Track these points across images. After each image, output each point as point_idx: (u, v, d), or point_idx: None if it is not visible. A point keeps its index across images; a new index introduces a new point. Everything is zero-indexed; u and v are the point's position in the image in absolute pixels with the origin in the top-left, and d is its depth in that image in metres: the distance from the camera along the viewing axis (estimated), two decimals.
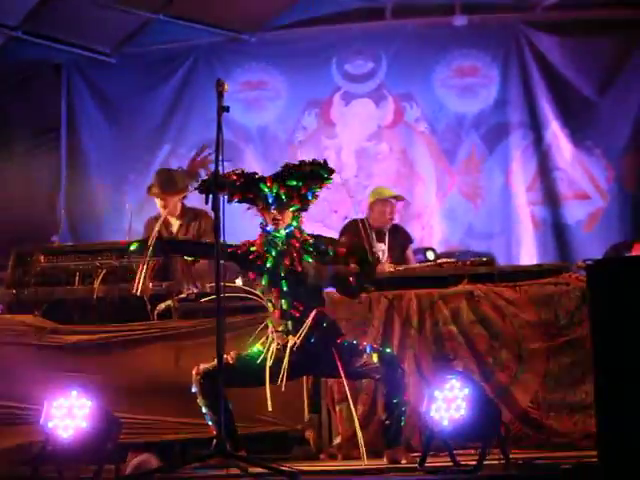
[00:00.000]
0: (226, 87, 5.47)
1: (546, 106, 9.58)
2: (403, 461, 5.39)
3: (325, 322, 5.45)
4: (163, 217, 7.18)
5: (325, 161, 5.51)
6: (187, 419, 5.94)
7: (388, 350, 5.52)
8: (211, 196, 5.14)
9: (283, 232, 5.47)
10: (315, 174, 5.46)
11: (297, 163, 5.48)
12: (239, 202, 5.54)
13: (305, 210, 5.57)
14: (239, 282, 6.69)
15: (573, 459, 5.11)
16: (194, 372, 5.40)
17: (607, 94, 9.43)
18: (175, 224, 7.66)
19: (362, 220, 7.85)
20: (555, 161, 9.59)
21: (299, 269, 5.42)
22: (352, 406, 5.71)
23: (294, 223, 5.50)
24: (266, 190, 5.42)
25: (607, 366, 4.55)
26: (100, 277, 6.54)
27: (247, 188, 5.48)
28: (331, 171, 5.49)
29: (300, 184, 5.44)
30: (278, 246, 5.47)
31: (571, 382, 6.12)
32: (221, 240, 5.00)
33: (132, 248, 5.68)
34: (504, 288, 6.33)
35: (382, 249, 7.97)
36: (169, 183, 7.59)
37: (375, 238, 7.97)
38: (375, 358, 5.35)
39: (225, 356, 5.12)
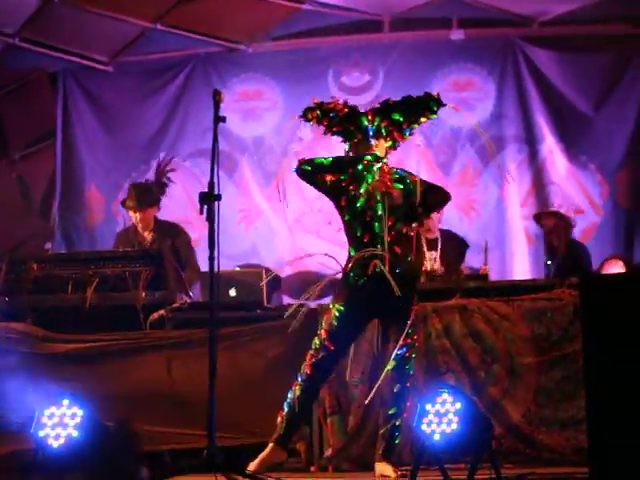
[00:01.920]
0: (223, 97, 5.49)
1: (541, 121, 9.58)
2: (393, 475, 5.38)
3: (411, 257, 5.56)
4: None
5: (438, 94, 5.59)
6: (177, 429, 5.94)
7: (407, 367, 5.53)
8: (205, 207, 5.17)
9: (376, 166, 5.53)
10: (422, 104, 5.54)
11: (403, 98, 5.55)
12: (335, 133, 5.62)
13: (395, 148, 5.64)
14: (232, 293, 6.71)
15: (564, 475, 5.11)
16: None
17: (603, 109, 9.43)
18: (148, 237, 7.66)
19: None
20: (550, 176, 9.58)
21: (395, 193, 5.50)
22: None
23: (384, 159, 5.57)
24: (366, 123, 5.49)
25: (598, 381, 4.55)
26: (93, 286, 6.54)
27: (348, 120, 5.54)
28: (440, 103, 5.57)
29: (402, 119, 5.52)
30: (373, 175, 5.50)
31: (563, 397, 6.10)
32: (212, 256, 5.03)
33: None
34: (497, 302, 6.33)
35: (434, 257, 7.81)
36: (144, 197, 7.62)
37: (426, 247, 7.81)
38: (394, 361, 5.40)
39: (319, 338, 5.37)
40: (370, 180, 5.49)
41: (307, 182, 5.67)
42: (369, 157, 5.53)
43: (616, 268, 8.03)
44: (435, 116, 5.60)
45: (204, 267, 6.80)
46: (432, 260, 7.72)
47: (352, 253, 5.51)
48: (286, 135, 9.85)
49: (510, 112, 9.64)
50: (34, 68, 9.91)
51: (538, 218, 8.83)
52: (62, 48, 9.71)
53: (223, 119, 5.50)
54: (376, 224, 5.45)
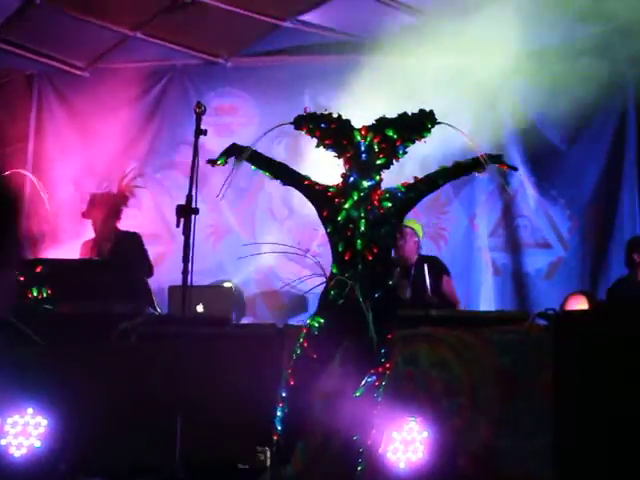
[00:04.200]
0: (204, 109, 5.48)
1: (514, 151, 9.60)
2: None
3: (392, 281, 5.45)
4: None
5: (432, 111, 5.47)
6: (139, 443, 5.88)
7: (375, 395, 5.35)
8: (182, 220, 5.15)
9: (366, 184, 5.41)
10: (416, 122, 5.42)
11: (397, 115, 5.45)
12: (327, 148, 5.50)
13: (388, 168, 5.47)
14: (200, 309, 6.68)
15: None
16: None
17: (575, 144, 9.49)
18: (106, 247, 7.62)
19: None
20: (519, 208, 9.62)
21: (381, 211, 5.37)
22: None
23: (376, 177, 5.44)
24: (359, 138, 5.40)
25: (567, 415, 4.58)
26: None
27: (341, 133, 5.44)
28: (434, 121, 5.44)
29: (396, 136, 5.40)
30: (361, 192, 5.40)
31: (525, 430, 6.11)
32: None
33: (219, 163, 5.72)
34: (464, 332, 6.34)
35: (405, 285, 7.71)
36: (89, 204, 7.60)
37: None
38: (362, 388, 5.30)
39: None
40: (356, 197, 5.41)
41: (292, 186, 5.62)
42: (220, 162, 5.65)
43: (579, 304, 8.06)
44: (429, 134, 5.44)
45: (170, 280, 6.79)
46: (402, 288, 7.66)
47: (334, 270, 5.43)
48: (260, 150, 9.80)
49: (484, 140, 9.65)
50: (10, 69, 9.83)
51: None
52: (40, 51, 9.66)
53: (204, 132, 5.51)
54: (358, 241, 5.33)
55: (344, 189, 5.43)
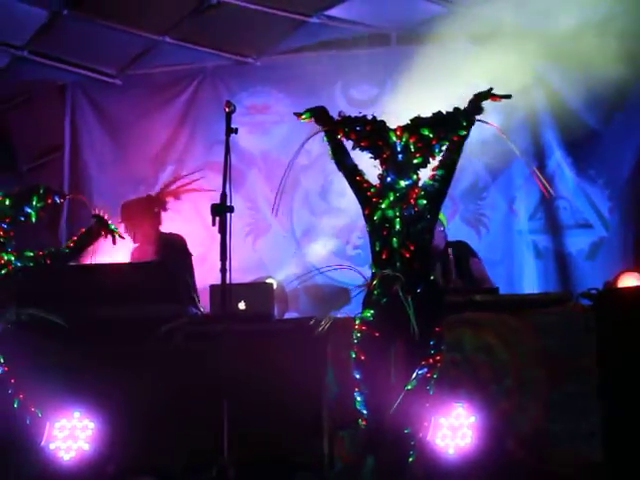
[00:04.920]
0: (234, 108, 5.49)
1: (550, 134, 9.55)
2: None
3: (433, 275, 5.44)
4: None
5: (466, 109, 5.47)
6: (188, 443, 5.91)
7: (428, 387, 5.33)
8: (217, 219, 5.16)
9: (403, 183, 5.42)
10: (451, 120, 5.43)
11: (432, 114, 5.45)
12: (363, 149, 5.50)
13: (425, 167, 5.47)
14: (242, 306, 6.69)
15: None
16: None
17: (611, 124, 9.40)
18: (150, 250, 7.63)
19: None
20: (558, 190, 9.54)
21: (416, 209, 5.38)
22: None
23: (414, 177, 5.45)
24: (394, 138, 5.40)
25: (613, 396, 4.54)
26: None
27: (376, 134, 5.44)
28: (471, 120, 5.45)
29: (432, 135, 5.40)
30: (397, 192, 5.41)
31: (574, 412, 6.07)
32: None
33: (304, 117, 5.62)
34: (508, 316, 6.31)
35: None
36: (122, 212, 7.62)
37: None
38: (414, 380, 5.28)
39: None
40: (392, 197, 5.41)
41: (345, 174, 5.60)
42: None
43: (632, 281, 7.98)
44: (465, 132, 5.44)
45: (212, 280, 6.80)
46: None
47: (373, 270, 5.43)
48: (294, 149, 9.83)
49: (518, 125, 9.61)
50: (43, 80, 9.91)
51: None
52: (71, 61, 9.74)
53: (235, 130, 5.52)
54: (394, 239, 5.36)
55: (381, 189, 5.45)
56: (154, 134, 9.95)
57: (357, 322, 5.37)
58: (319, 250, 9.58)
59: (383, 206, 5.40)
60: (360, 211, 5.56)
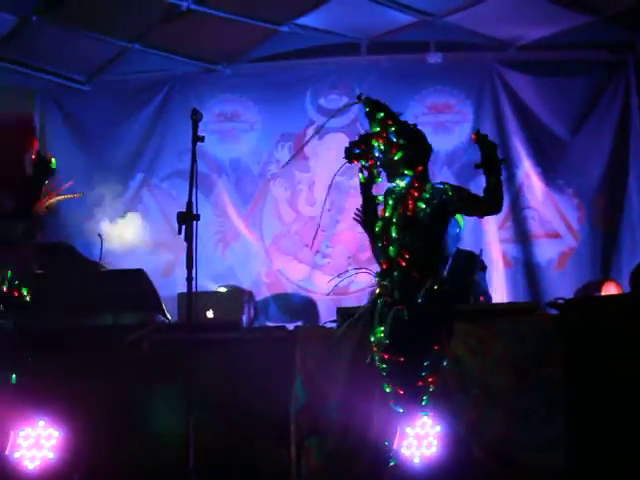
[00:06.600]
0: (201, 116, 5.48)
1: (518, 144, 9.58)
2: None
3: (437, 286, 5.25)
4: None
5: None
6: (153, 451, 5.89)
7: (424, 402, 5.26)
8: (184, 227, 5.15)
9: (402, 183, 5.38)
10: (370, 113, 5.46)
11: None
12: (374, 169, 5.47)
13: (409, 160, 5.36)
14: (210, 314, 6.68)
15: None
16: None
17: (580, 134, 9.46)
18: None
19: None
20: (527, 200, 9.59)
21: (409, 214, 5.27)
22: None
23: (407, 172, 5.37)
24: (375, 144, 5.39)
25: (578, 405, 4.56)
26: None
27: (369, 150, 5.42)
28: (378, 107, 5.46)
29: (378, 128, 5.39)
30: (395, 195, 5.37)
31: (540, 420, 6.09)
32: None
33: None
34: (474, 326, 6.31)
35: None
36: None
37: None
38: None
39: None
40: (391, 202, 5.37)
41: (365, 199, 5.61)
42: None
43: (612, 290, 8.04)
44: (381, 115, 5.45)
45: (181, 288, 6.79)
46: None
47: (378, 278, 5.37)
48: (263, 157, 9.86)
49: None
50: (11, 87, 9.85)
51: None
52: (39, 67, 9.71)
53: (202, 139, 5.51)
54: (391, 248, 5.28)
55: (384, 199, 5.44)
56: (123, 141, 9.94)
57: (375, 345, 5.25)
58: (288, 259, 9.60)
59: (387, 214, 5.36)
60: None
